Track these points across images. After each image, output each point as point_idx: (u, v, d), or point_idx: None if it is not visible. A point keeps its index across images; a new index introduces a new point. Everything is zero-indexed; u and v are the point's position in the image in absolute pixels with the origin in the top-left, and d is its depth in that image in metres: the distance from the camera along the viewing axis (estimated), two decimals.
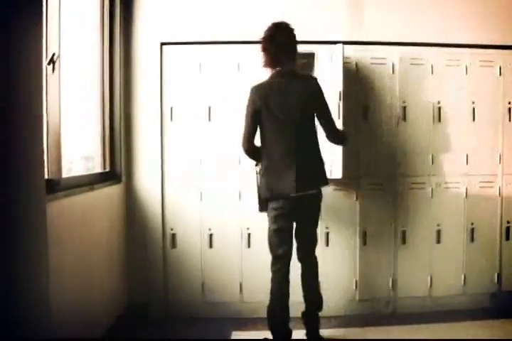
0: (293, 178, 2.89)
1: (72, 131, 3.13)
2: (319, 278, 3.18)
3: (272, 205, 2.99)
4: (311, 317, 3.12)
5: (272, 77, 3.00)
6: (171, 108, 3.62)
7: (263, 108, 2.93)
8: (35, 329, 2.06)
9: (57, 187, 2.57)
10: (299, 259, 3.14)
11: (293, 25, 2.99)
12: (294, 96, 2.91)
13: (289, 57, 2.97)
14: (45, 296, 2.17)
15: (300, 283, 3.13)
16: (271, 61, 2.99)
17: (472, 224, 3.76)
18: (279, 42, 2.93)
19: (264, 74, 3.38)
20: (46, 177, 2.56)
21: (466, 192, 3.74)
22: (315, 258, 3.17)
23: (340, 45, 3.33)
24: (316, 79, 3.05)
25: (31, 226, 2.06)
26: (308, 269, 3.14)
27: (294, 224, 3.07)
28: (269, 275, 3.07)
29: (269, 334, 3.03)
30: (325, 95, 3.02)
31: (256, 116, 2.96)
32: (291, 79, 2.96)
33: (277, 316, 2.99)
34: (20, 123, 2.03)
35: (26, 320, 2.02)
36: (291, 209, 2.95)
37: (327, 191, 3.54)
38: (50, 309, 2.19)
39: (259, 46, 3.04)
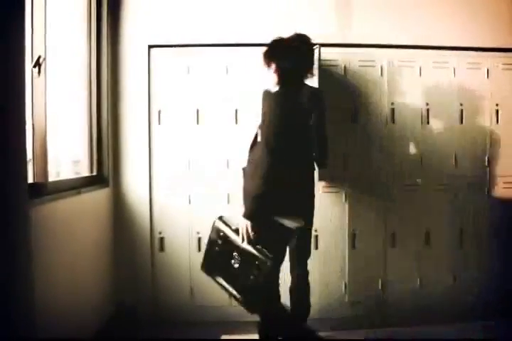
0: None
1: (61, 135, 3.11)
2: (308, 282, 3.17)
3: None
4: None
5: (280, 89, 2.66)
6: (159, 111, 3.61)
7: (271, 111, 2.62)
8: (20, 332, 2.04)
9: (43, 191, 2.55)
10: (291, 273, 3.12)
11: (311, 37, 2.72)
12: (298, 107, 2.64)
13: (302, 74, 2.72)
14: (30, 302, 2.14)
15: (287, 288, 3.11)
16: (281, 78, 2.64)
17: (461, 225, 3.76)
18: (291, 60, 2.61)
19: (253, 78, 3.40)
20: (32, 181, 2.55)
21: (455, 194, 3.75)
22: (307, 273, 3.12)
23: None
24: (320, 91, 2.94)
25: (14, 231, 2.03)
26: (298, 286, 3.10)
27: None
28: None
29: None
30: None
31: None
32: (299, 91, 2.74)
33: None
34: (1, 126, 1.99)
35: (12, 323, 2.00)
36: None
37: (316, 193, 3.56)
38: (35, 314, 2.17)
39: (247, 49, 3.02)
